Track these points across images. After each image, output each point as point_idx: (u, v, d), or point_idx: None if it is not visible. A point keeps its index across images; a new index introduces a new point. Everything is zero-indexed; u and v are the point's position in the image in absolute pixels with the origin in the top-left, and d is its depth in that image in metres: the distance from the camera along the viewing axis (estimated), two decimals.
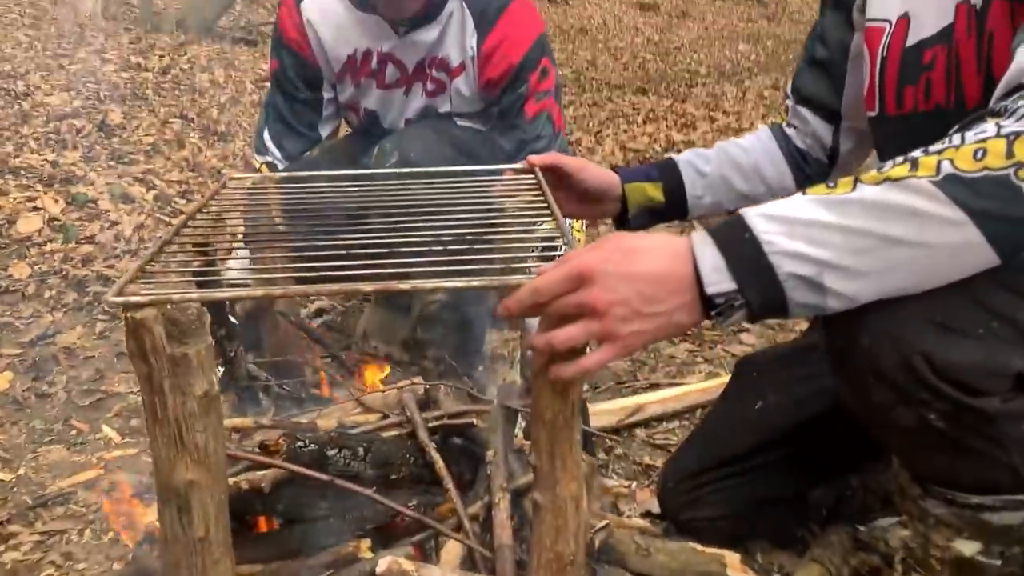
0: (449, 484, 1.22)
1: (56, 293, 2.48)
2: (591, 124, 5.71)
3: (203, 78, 5.89)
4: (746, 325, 2.49)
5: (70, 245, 2.76)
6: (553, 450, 1.02)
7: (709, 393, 2.02)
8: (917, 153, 0.74)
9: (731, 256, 0.76)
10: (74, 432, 1.84)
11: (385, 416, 1.34)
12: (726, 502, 1.28)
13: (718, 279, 0.76)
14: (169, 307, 0.89)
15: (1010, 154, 0.70)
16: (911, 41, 1.01)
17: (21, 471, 1.68)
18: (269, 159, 1.97)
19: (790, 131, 1.33)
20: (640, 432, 1.91)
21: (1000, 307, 0.79)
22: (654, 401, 2.00)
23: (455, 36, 1.85)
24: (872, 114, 1.10)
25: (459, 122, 1.95)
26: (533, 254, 0.96)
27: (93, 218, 3.01)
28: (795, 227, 0.74)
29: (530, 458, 1.07)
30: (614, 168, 1.31)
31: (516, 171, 1.28)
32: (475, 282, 0.84)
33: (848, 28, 1.22)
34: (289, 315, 1.60)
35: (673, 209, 1.32)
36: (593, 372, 0.87)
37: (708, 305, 0.78)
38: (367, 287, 0.84)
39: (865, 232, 0.73)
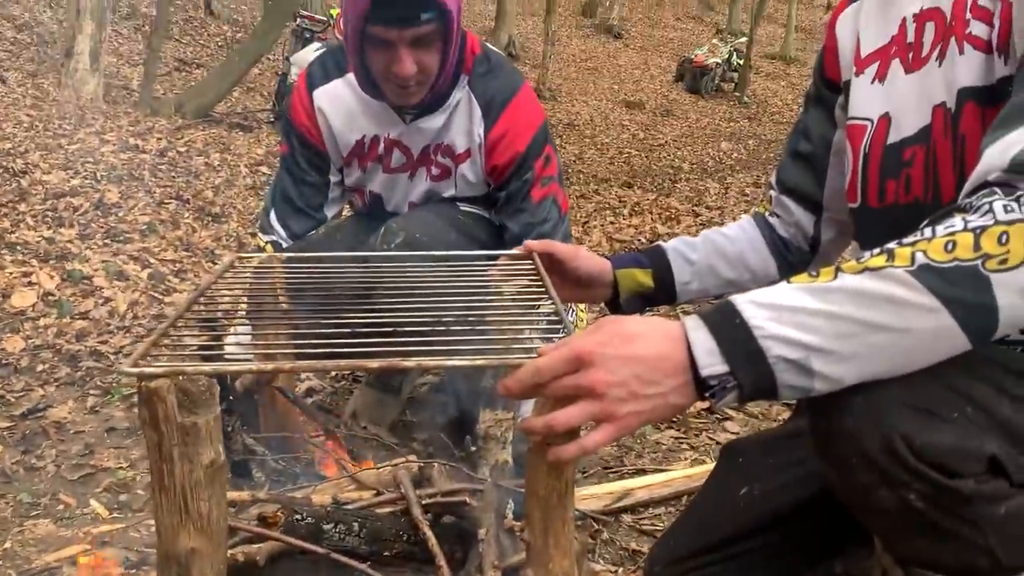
0: (441, 561, 1.24)
1: (48, 367, 2.49)
2: (579, 215, 5.86)
3: (199, 161, 6.02)
4: (730, 413, 2.53)
5: (64, 320, 2.79)
6: (547, 527, 1.05)
7: (695, 480, 2.04)
8: (892, 245, 0.80)
9: (723, 340, 0.80)
10: (62, 506, 1.83)
11: (379, 493, 1.36)
12: None
13: (711, 362, 0.80)
14: (180, 378, 0.93)
15: (977, 247, 0.76)
16: (892, 139, 1.08)
17: (7, 545, 1.66)
18: (274, 238, 2.02)
19: (773, 220, 1.40)
20: (627, 517, 1.92)
21: (974, 394, 0.84)
22: (641, 487, 2.02)
23: (462, 123, 1.92)
24: (854, 205, 1.17)
25: (462, 207, 2.02)
26: (533, 336, 1.01)
27: (87, 294, 3.04)
28: (783, 313, 0.79)
29: (523, 535, 1.10)
30: (605, 255, 1.37)
31: (513, 256, 1.33)
32: (478, 361, 0.89)
33: (831, 124, 1.29)
34: (287, 392, 1.63)
35: (662, 295, 1.37)
36: (591, 452, 0.90)
37: (702, 387, 0.82)
38: (373, 364, 0.88)
39: (848, 318, 0.78)
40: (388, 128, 1.95)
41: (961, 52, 0.98)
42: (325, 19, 8.68)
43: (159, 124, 7.05)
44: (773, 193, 1.39)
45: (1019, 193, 0.79)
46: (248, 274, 1.31)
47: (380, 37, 1.70)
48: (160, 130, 6.81)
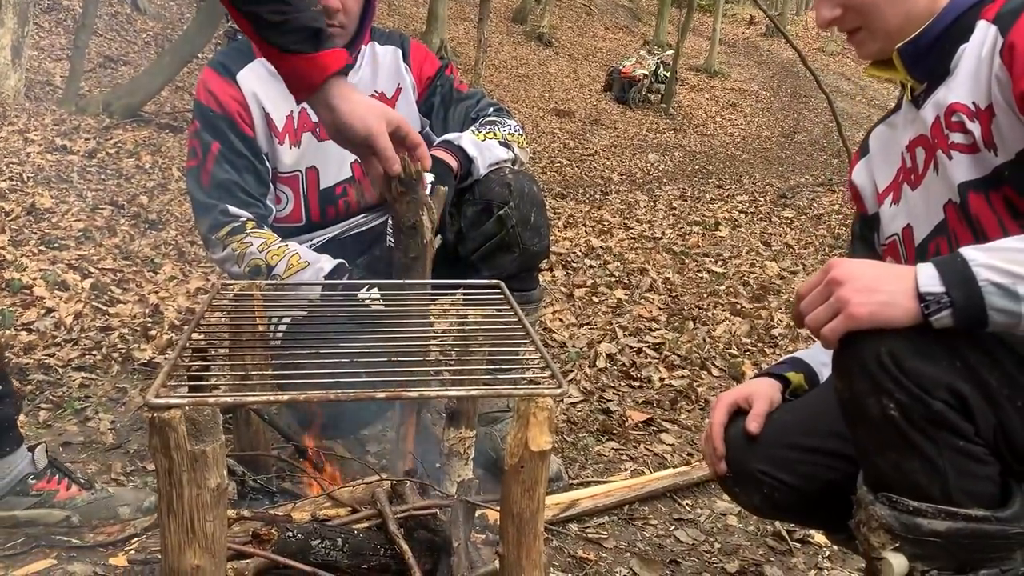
0: (417, 573, 1.33)
1: None
2: None
3: (130, 163, 5.91)
4: (666, 425, 2.68)
5: (8, 332, 2.76)
6: (520, 541, 1.16)
7: (635, 489, 2.18)
8: None
9: (944, 270, 0.98)
10: None
11: (355, 510, 1.44)
12: (810, 476, 1.33)
13: (931, 283, 0.98)
14: (187, 408, 1.00)
15: None
16: (917, 241, 1.30)
17: None
18: (245, 213, 1.91)
19: None
20: (574, 526, 2.04)
21: (970, 360, 1.01)
22: (586, 497, 2.14)
23: (386, 66, 2.10)
24: None
25: None
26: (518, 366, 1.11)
27: (28, 305, 3.01)
28: (996, 251, 0.97)
29: (498, 548, 1.20)
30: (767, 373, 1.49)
31: (484, 286, 1.44)
32: (473, 391, 0.99)
33: (876, 255, 1.48)
34: (262, 412, 1.69)
35: None
36: (838, 332, 1.05)
37: (921, 301, 0.99)
38: (380, 394, 0.97)
39: None
40: None
41: (950, 158, 1.20)
42: None
43: (86, 123, 6.89)
44: None
45: None
46: (229, 302, 1.38)
47: None
48: (87, 129, 6.66)
